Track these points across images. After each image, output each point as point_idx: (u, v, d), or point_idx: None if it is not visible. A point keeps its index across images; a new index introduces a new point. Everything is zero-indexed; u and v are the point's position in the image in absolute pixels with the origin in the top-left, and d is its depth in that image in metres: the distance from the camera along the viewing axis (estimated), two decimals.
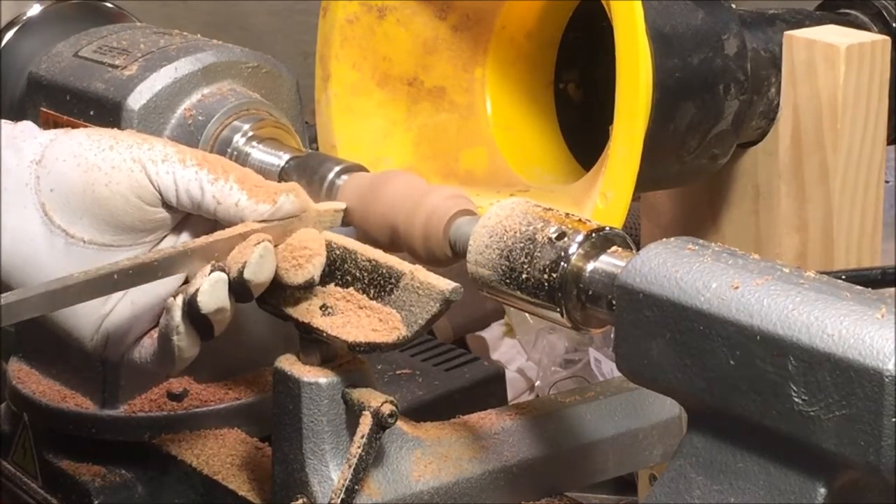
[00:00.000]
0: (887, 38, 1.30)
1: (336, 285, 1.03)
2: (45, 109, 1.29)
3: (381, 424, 0.99)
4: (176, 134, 1.23)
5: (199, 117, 1.24)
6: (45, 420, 1.33)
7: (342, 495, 0.98)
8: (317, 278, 1.03)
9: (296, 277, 1.02)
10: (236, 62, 1.28)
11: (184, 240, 1.06)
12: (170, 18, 2.40)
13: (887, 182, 1.61)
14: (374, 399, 0.99)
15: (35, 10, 1.47)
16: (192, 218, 1.06)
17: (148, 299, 1.05)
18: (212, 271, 1.00)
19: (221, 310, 1.00)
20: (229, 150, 1.23)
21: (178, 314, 1.01)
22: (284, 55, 1.42)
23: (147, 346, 1.06)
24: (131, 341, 1.07)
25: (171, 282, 1.03)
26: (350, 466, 0.99)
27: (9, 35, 1.46)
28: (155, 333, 1.05)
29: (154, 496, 1.29)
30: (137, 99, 1.23)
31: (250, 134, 1.23)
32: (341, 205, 1.09)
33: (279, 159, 1.21)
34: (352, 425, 1.01)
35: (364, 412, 0.99)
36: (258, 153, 1.22)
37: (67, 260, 1.04)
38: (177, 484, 1.25)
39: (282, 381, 1.03)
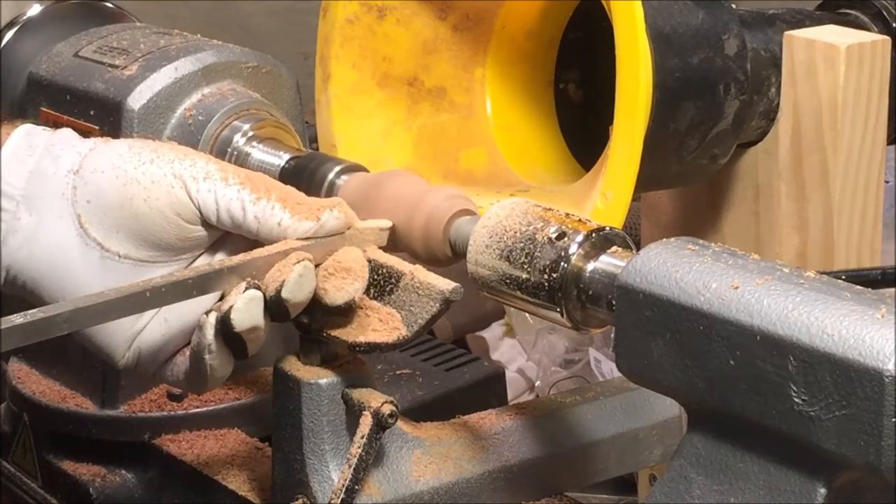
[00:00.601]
0: (887, 38, 1.30)
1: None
2: (45, 109, 1.29)
3: (381, 424, 0.99)
4: (176, 134, 1.23)
5: (200, 117, 1.24)
6: (45, 420, 1.33)
7: (342, 495, 0.98)
8: (357, 299, 1.00)
9: (335, 298, 0.99)
10: (236, 62, 1.28)
11: (220, 257, 1.03)
12: (170, 18, 2.40)
13: (887, 182, 1.61)
14: (374, 399, 0.99)
15: (35, 10, 1.47)
16: (229, 235, 1.03)
17: (182, 317, 1.02)
18: (247, 288, 0.96)
19: (256, 329, 0.97)
20: (229, 149, 1.23)
21: (210, 332, 0.97)
22: (284, 55, 1.42)
23: (179, 364, 1.03)
24: (163, 359, 1.03)
25: (205, 299, 1.00)
26: (350, 466, 0.99)
27: (9, 35, 1.46)
28: (187, 351, 1.02)
29: (154, 496, 1.29)
30: (137, 99, 1.23)
31: (250, 134, 1.23)
32: (387, 223, 1.05)
33: (279, 159, 1.21)
34: (352, 425, 1.01)
35: (364, 412, 0.99)
36: (258, 153, 1.22)
37: (102, 274, 1.01)
38: (177, 484, 1.25)
39: (282, 381, 1.03)
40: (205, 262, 1.03)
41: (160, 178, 1.01)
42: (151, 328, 1.02)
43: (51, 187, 1.02)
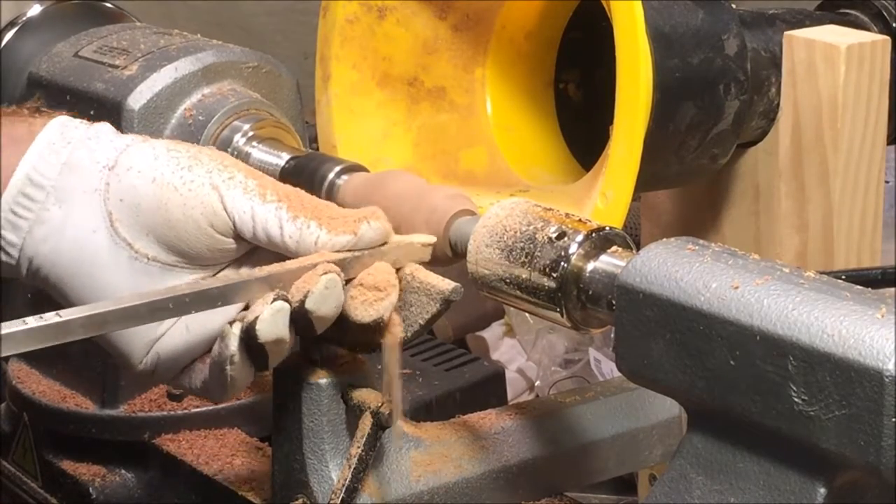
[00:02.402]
0: (887, 38, 1.30)
1: None
2: (45, 110, 1.29)
3: (380, 424, 0.99)
4: (176, 134, 1.23)
5: (200, 117, 1.24)
6: (45, 420, 1.33)
7: (342, 495, 0.98)
8: (386, 318, 0.98)
9: (364, 316, 0.97)
10: (236, 62, 1.28)
11: (247, 268, 1.00)
12: (170, 18, 2.40)
13: (887, 182, 1.61)
14: (374, 399, 0.99)
15: (35, 10, 1.47)
16: (257, 249, 1.01)
17: (204, 325, 0.99)
18: (275, 299, 0.94)
19: (280, 341, 0.95)
20: (229, 149, 1.23)
21: (234, 343, 0.95)
22: (284, 55, 1.42)
23: (198, 372, 1.01)
24: (182, 366, 1.01)
25: (230, 309, 0.97)
26: (350, 466, 0.99)
27: (9, 35, 1.46)
28: (207, 360, 1.00)
29: (154, 496, 1.29)
30: (138, 99, 1.23)
31: (250, 134, 1.23)
32: (430, 238, 1.02)
33: (279, 159, 1.21)
34: (352, 425, 1.01)
35: (364, 412, 0.99)
36: (258, 153, 1.23)
37: (130, 274, 0.99)
38: (177, 484, 1.26)
39: (282, 381, 1.03)
40: (230, 272, 1.01)
41: (197, 186, 0.98)
42: (172, 335, 1.00)
43: (83, 181, 1.00)
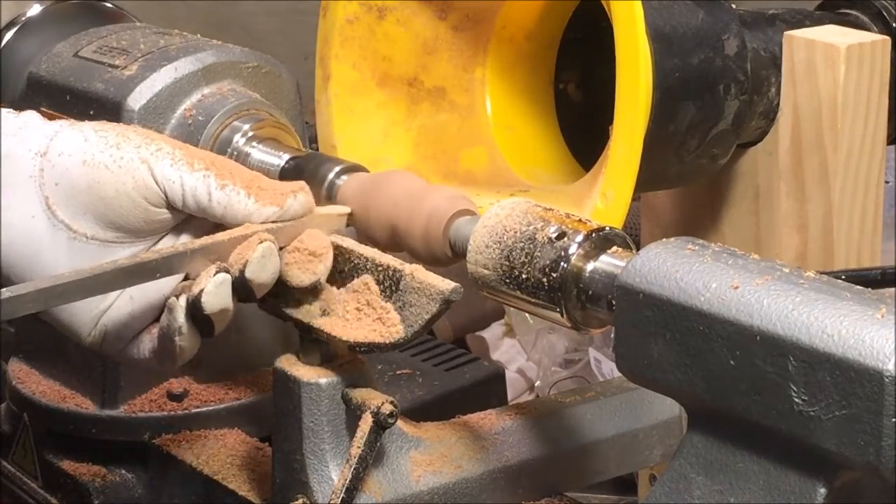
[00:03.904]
0: (887, 38, 1.30)
1: (336, 286, 1.03)
2: (45, 109, 1.29)
3: (381, 424, 0.99)
4: (176, 134, 1.23)
5: (200, 117, 1.24)
6: (45, 420, 1.33)
7: (342, 495, 0.98)
8: (323, 280, 1.02)
9: (302, 279, 1.02)
10: (236, 62, 1.28)
11: (184, 238, 1.05)
12: (170, 18, 2.40)
13: (887, 182, 1.61)
14: (374, 399, 0.99)
15: (35, 10, 1.47)
16: (194, 217, 1.05)
17: (147, 296, 1.04)
18: (217, 272, 0.99)
19: (225, 310, 0.99)
20: (229, 150, 1.23)
21: (181, 315, 0.99)
22: (284, 55, 1.42)
23: (145, 342, 1.05)
24: (129, 337, 1.05)
25: (170, 279, 1.02)
26: (350, 466, 0.99)
27: (9, 35, 1.46)
28: (154, 330, 1.04)
29: (154, 496, 1.29)
30: (137, 99, 1.23)
31: (250, 134, 1.23)
32: (345, 209, 1.08)
33: (279, 159, 1.21)
34: (352, 425, 1.01)
35: (364, 412, 0.99)
36: (258, 153, 1.23)
37: (69, 255, 1.03)
38: (177, 484, 1.25)
39: (282, 381, 1.03)
40: (169, 243, 1.05)
41: (127, 162, 1.02)
42: (117, 307, 1.04)
43: (17, 169, 1.03)
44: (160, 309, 1.03)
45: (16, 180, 1.03)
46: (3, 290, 0.92)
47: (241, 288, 1.00)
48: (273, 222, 1.03)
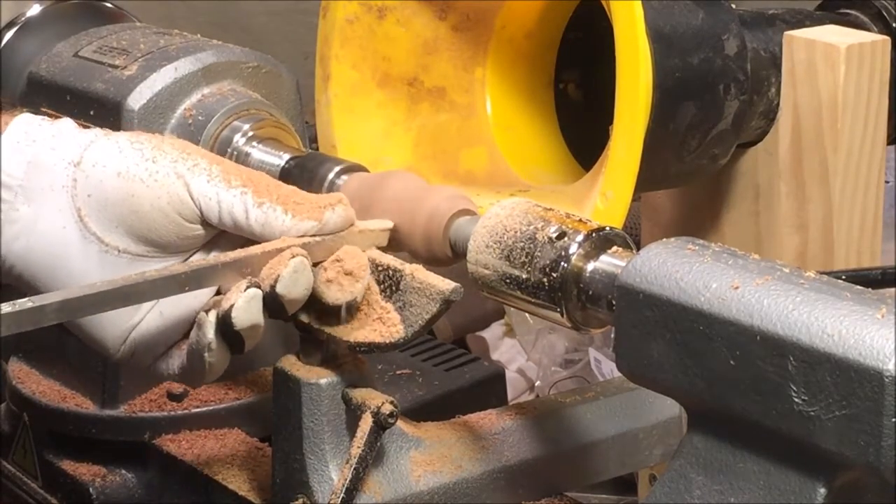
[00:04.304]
0: (887, 38, 1.30)
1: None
2: (45, 109, 1.29)
3: (381, 424, 0.99)
4: (176, 134, 1.23)
5: (200, 117, 1.24)
6: (45, 420, 1.33)
7: (342, 495, 0.98)
8: (359, 299, 1.00)
9: (336, 298, 0.99)
10: (236, 62, 1.28)
11: (216, 253, 1.02)
12: (170, 18, 2.39)
13: (887, 182, 1.61)
14: (374, 399, 0.99)
15: (35, 10, 1.47)
16: (226, 233, 1.03)
17: (178, 311, 1.01)
18: (248, 287, 0.96)
19: (255, 326, 0.96)
20: (229, 149, 1.23)
21: (210, 331, 0.96)
22: (284, 55, 1.42)
23: (175, 359, 1.03)
24: (159, 353, 1.03)
25: (202, 293, 1.00)
26: (350, 466, 0.99)
27: (9, 35, 1.46)
28: (183, 346, 1.02)
29: (154, 496, 1.29)
30: (137, 99, 1.23)
31: (250, 134, 1.23)
32: (388, 223, 1.05)
33: (279, 159, 1.21)
34: (352, 425, 1.01)
35: (364, 412, 0.99)
36: (258, 153, 1.23)
37: (100, 268, 1.01)
38: (177, 484, 1.26)
39: (282, 381, 1.03)
40: (201, 256, 1.03)
41: (163, 176, 1.00)
42: (147, 322, 1.02)
43: (50, 178, 1.02)
44: (191, 325, 1.00)
45: (48, 190, 1.01)
46: (28, 299, 0.89)
47: (272, 303, 0.97)
48: (312, 236, 1.00)
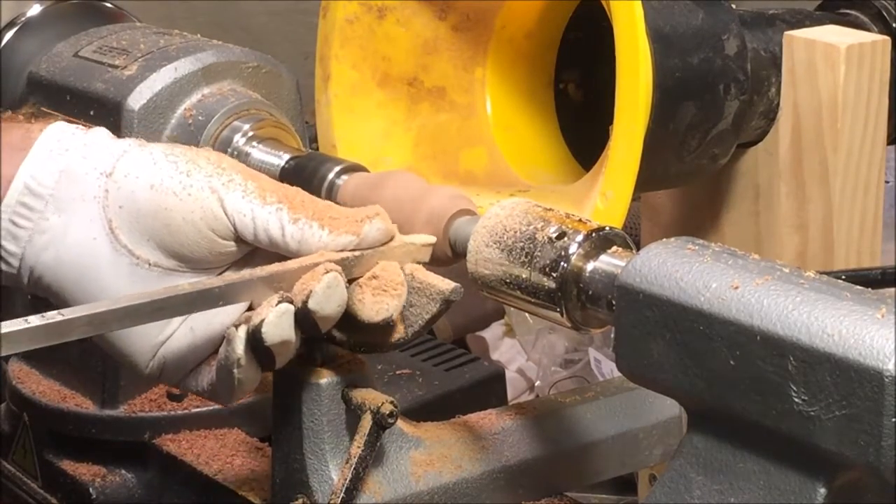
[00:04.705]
0: (887, 38, 1.30)
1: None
2: (45, 110, 1.29)
3: (381, 424, 0.99)
4: (176, 134, 1.23)
5: (200, 117, 1.24)
6: (45, 420, 1.33)
7: (342, 495, 0.98)
8: (395, 317, 0.98)
9: (373, 315, 0.97)
10: (236, 62, 1.28)
11: (249, 268, 0.99)
12: (170, 18, 2.40)
13: (887, 182, 1.61)
14: (374, 399, 0.99)
15: (35, 10, 1.47)
16: (259, 250, 1.00)
17: (209, 327, 0.99)
18: (279, 302, 0.93)
19: (287, 342, 0.94)
20: (230, 149, 1.23)
21: (240, 346, 0.94)
22: (284, 55, 1.42)
23: (204, 374, 1.00)
24: (189, 369, 1.01)
25: (232, 309, 0.97)
26: (350, 466, 0.99)
27: (9, 35, 1.46)
28: (213, 362, 0.99)
29: (154, 496, 1.29)
30: (137, 99, 1.23)
31: (250, 134, 1.23)
32: (430, 238, 1.02)
33: (279, 159, 1.21)
34: (352, 425, 1.01)
35: (364, 412, 0.99)
36: (258, 153, 1.23)
37: (130, 281, 0.98)
38: (177, 484, 1.26)
39: (282, 381, 1.03)
40: (232, 273, 1.00)
41: (197, 191, 0.98)
42: (177, 338, 1.00)
43: (82, 189, 0.99)
44: (221, 340, 0.97)
45: (79, 200, 0.99)
46: (58, 312, 0.87)
47: (304, 320, 0.94)
48: (351, 251, 0.98)
